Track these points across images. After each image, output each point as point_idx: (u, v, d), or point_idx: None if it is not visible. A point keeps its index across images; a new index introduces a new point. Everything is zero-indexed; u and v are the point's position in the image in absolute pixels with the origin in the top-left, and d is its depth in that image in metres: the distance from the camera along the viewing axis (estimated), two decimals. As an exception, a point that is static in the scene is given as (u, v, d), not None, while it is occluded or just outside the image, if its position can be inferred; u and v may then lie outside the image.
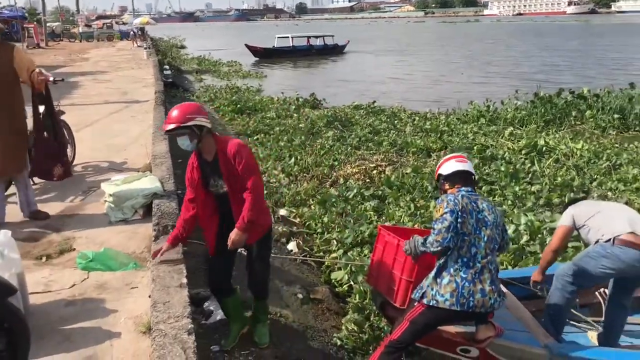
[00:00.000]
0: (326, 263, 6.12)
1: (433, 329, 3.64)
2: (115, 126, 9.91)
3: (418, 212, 7.01)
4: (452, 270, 3.45)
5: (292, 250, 6.48)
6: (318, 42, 44.45)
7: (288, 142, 11.09)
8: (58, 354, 3.26)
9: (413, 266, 3.77)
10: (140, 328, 3.45)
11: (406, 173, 8.72)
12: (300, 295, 5.29)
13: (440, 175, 3.79)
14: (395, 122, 13.39)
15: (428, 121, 13.28)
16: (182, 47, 51.43)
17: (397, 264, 3.86)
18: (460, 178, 3.68)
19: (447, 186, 3.72)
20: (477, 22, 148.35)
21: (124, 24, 59.42)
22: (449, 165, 3.74)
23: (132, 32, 43.44)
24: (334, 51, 44.11)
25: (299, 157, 9.88)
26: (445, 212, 3.47)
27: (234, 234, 3.63)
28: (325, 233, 6.76)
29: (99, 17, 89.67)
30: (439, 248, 3.47)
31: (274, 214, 7.57)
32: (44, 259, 4.60)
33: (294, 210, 7.71)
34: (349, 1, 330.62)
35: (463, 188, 3.63)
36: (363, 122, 13.08)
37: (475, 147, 10.28)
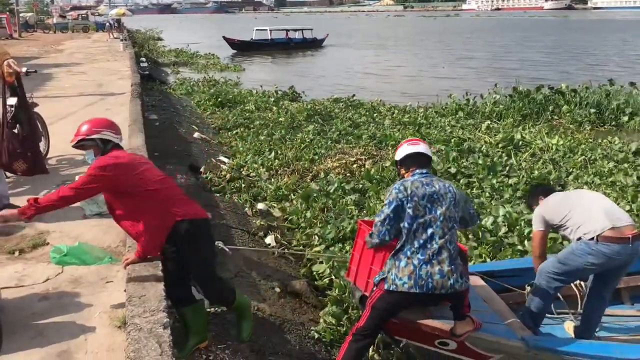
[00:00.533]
0: (307, 256, 6.09)
1: (396, 313, 3.62)
2: (91, 119, 9.72)
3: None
4: (408, 252, 3.42)
5: (269, 244, 6.44)
6: (297, 35, 44.26)
7: (268, 136, 11.03)
8: (31, 349, 3.19)
9: None
10: (115, 322, 3.39)
11: (385, 166, 8.73)
12: (277, 289, 5.26)
13: (396, 161, 3.83)
14: (375, 115, 13.41)
15: (407, 114, 13.34)
16: (159, 39, 50.77)
17: (376, 260, 3.85)
18: (413, 161, 3.69)
19: (403, 171, 3.75)
20: (456, 16, 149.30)
21: (99, 15, 58.37)
22: (402, 150, 3.76)
23: (108, 24, 42.73)
24: (313, 45, 44.00)
25: (279, 152, 9.82)
26: (385, 204, 3.54)
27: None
28: (308, 228, 6.73)
29: (74, 8, 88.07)
30: (378, 240, 3.55)
31: (251, 208, 7.52)
32: (16, 253, 4.50)
33: (276, 205, 7.66)
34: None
35: (417, 171, 3.63)
36: (343, 116, 13.07)
37: (452, 140, 10.35)
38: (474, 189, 7.81)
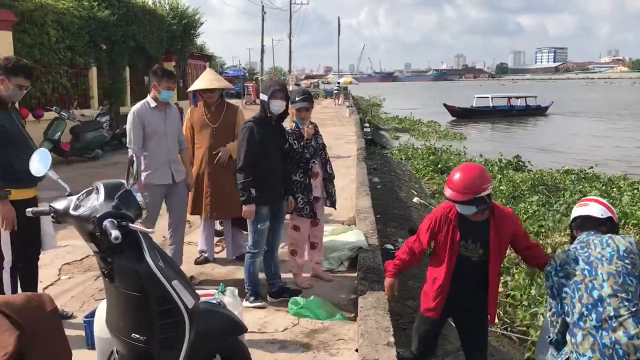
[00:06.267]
0: (532, 339, 5.65)
1: None
2: (321, 179, 10.43)
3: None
4: (581, 323, 2.86)
5: (492, 321, 6.12)
6: (519, 102, 42.97)
7: (487, 204, 10.69)
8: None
9: None
10: (348, 382, 3.48)
11: (625, 248, 7.80)
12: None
13: (570, 223, 3.48)
14: (611, 190, 12.18)
15: (651, 191, 11.85)
16: (380, 105, 53.08)
17: None
18: (581, 225, 3.31)
19: (576, 233, 3.35)
20: None
21: (328, 83, 63.44)
22: (573, 212, 3.43)
23: (335, 91, 46.25)
24: (536, 112, 42.23)
25: (499, 221, 9.42)
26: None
27: None
28: (533, 307, 6.27)
29: (307, 77, 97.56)
30: (557, 325, 3.09)
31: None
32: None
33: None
34: (554, 61, 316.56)
35: (585, 233, 3.23)
36: (573, 188, 12.14)
37: None
38: None
